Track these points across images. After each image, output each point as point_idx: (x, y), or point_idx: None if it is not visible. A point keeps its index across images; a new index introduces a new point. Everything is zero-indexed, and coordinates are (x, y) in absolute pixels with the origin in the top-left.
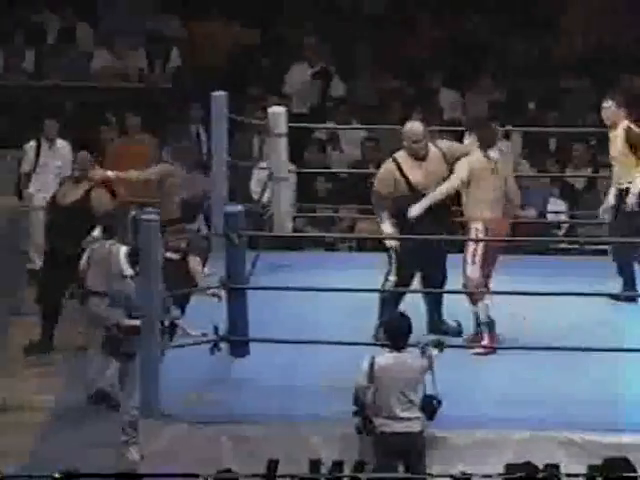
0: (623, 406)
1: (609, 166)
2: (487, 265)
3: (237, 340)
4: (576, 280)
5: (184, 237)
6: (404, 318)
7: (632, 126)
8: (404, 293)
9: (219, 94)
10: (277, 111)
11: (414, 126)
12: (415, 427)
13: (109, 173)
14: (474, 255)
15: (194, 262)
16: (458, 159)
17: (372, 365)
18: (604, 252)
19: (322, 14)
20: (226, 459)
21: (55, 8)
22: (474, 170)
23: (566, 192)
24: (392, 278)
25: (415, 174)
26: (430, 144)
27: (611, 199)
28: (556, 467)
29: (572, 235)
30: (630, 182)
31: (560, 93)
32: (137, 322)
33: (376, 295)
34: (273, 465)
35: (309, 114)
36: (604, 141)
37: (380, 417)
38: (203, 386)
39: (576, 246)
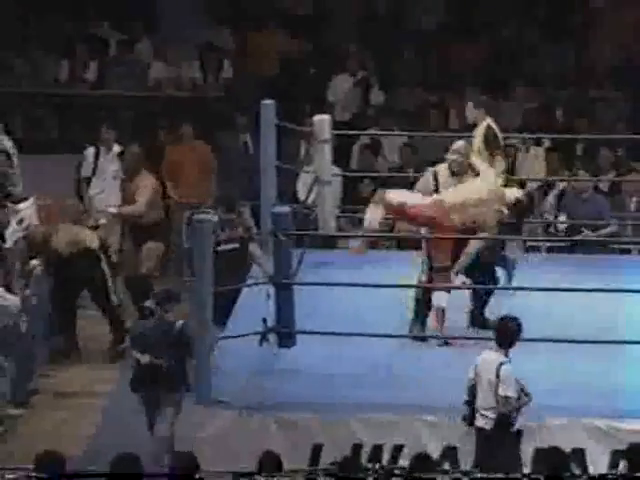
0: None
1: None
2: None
3: (284, 332)
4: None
5: (239, 224)
6: (514, 319)
7: None
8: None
9: (268, 102)
10: (322, 118)
11: (457, 142)
12: (487, 425)
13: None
14: None
15: (253, 247)
16: None
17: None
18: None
19: (365, 25)
20: (274, 444)
21: (117, 22)
22: None
23: None
24: (424, 277)
25: (445, 188)
26: (475, 163)
27: None
28: (582, 452)
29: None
30: None
31: (590, 103)
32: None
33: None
34: (317, 449)
35: (351, 121)
36: (632, 149)
37: (477, 411)
38: (252, 375)
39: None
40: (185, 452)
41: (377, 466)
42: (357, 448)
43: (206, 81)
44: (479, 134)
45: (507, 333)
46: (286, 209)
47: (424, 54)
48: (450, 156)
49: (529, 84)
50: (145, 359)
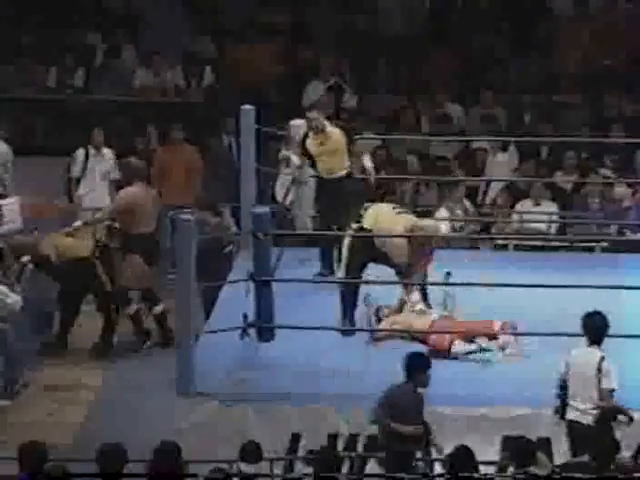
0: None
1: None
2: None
3: (264, 327)
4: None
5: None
6: (602, 315)
7: None
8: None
9: (247, 108)
10: (297, 123)
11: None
12: (584, 419)
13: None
14: None
15: None
16: None
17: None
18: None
19: (341, 35)
20: (254, 433)
21: (102, 31)
22: None
23: (557, 195)
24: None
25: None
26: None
27: None
28: (547, 441)
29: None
30: None
31: (554, 108)
32: None
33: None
34: (295, 438)
35: None
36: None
37: (569, 405)
38: (233, 368)
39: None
40: (168, 441)
41: (353, 454)
42: (333, 437)
43: (189, 88)
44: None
45: (597, 329)
46: (265, 209)
47: (398, 62)
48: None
49: (497, 91)
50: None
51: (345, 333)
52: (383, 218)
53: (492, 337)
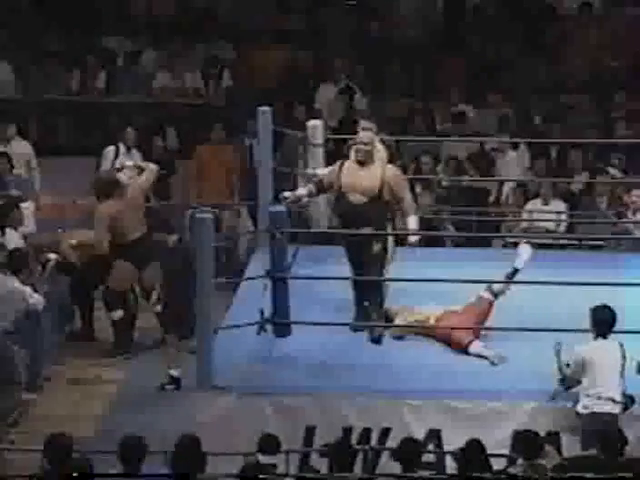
0: None
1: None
2: None
3: (280, 322)
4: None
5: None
6: (609, 309)
7: None
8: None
9: (265, 109)
10: (315, 124)
11: (363, 132)
12: (613, 409)
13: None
14: None
15: None
16: None
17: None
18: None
19: (355, 39)
20: (270, 426)
21: (124, 35)
22: None
23: (566, 195)
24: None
25: (349, 176)
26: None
27: None
28: (556, 434)
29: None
30: None
31: (561, 110)
32: None
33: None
34: (310, 431)
35: (338, 126)
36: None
37: (587, 397)
38: (251, 362)
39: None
40: (189, 434)
41: (367, 447)
42: (348, 431)
43: (207, 90)
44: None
45: (605, 321)
46: (282, 208)
47: (411, 66)
48: (357, 145)
49: (506, 93)
50: None
51: (358, 329)
52: None
53: None
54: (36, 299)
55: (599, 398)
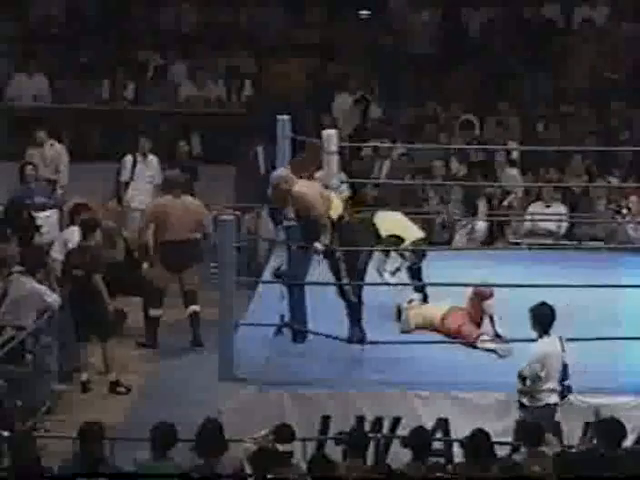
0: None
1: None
2: None
3: (297, 329)
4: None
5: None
6: (549, 306)
7: None
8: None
9: (283, 118)
10: (330, 132)
11: None
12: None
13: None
14: None
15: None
16: None
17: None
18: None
19: (370, 53)
20: (288, 416)
21: (153, 48)
22: None
23: (566, 197)
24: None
25: None
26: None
27: None
28: (557, 424)
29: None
30: None
31: (562, 118)
32: None
33: None
34: (326, 420)
35: (354, 134)
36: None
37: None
38: (270, 355)
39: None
40: (212, 418)
41: (379, 436)
42: (361, 420)
43: (230, 100)
44: None
45: (546, 317)
46: (295, 224)
47: (422, 77)
48: None
49: (511, 103)
50: None
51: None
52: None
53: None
54: (53, 298)
55: (552, 390)
